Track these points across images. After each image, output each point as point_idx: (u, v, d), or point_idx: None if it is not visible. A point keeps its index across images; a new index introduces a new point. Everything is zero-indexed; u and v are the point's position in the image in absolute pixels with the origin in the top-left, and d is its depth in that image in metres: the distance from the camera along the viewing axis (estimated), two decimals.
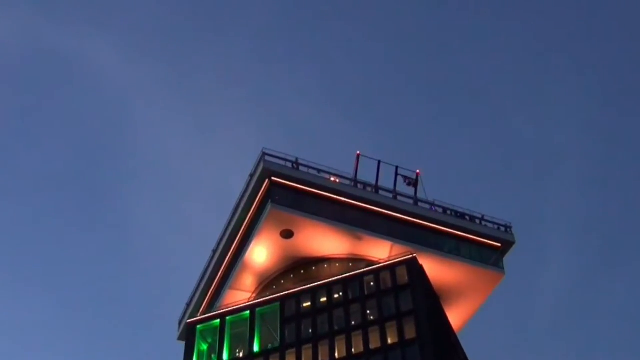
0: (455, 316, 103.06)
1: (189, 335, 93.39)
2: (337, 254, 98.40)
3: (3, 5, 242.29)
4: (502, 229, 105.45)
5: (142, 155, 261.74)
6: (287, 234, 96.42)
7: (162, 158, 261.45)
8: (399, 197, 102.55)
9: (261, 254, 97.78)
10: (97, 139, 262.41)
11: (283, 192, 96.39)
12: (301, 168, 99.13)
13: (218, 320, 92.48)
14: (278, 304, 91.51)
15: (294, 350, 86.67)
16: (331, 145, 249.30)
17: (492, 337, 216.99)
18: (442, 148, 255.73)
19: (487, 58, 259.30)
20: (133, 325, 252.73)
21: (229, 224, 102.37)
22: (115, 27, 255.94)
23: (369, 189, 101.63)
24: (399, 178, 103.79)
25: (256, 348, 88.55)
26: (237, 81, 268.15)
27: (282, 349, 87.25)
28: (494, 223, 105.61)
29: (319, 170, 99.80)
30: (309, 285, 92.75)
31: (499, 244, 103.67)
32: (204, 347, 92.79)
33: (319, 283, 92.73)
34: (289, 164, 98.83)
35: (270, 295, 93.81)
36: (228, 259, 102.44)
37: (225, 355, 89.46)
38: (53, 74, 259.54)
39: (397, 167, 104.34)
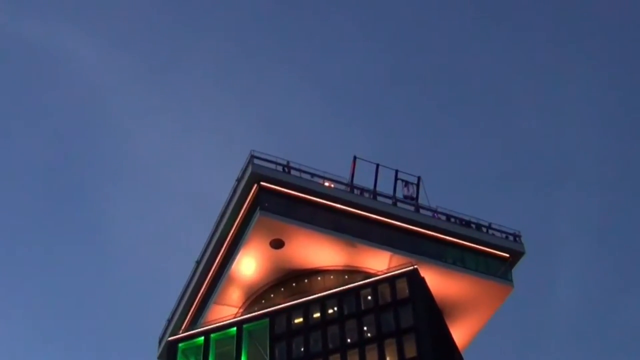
0: (460, 333, 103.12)
1: (169, 354, 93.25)
2: (332, 266, 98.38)
3: None
4: (511, 238, 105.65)
5: (121, 156, 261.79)
6: (277, 244, 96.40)
7: (142, 160, 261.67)
8: (398, 204, 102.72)
9: (249, 265, 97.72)
10: (72, 138, 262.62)
11: (273, 198, 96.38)
12: (293, 172, 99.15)
13: (202, 338, 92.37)
14: (267, 320, 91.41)
15: None
16: (325, 148, 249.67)
17: (500, 356, 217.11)
18: (446, 150, 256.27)
19: (494, 53, 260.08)
20: (108, 343, 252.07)
21: (214, 232, 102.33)
22: (94, 20, 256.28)
23: (366, 194, 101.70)
24: (399, 183, 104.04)
25: None
26: (224, 78, 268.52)
27: None
28: (501, 232, 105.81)
29: (312, 175, 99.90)
30: (301, 300, 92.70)
31: (507, 255, 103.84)
32: None
33: (311, 297, 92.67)
34: (280, 168, 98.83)
35: (258, 311, 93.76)
36: (213, 271, 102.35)
37: None
38: (27, 67, 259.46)
39: (396, 171, 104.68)
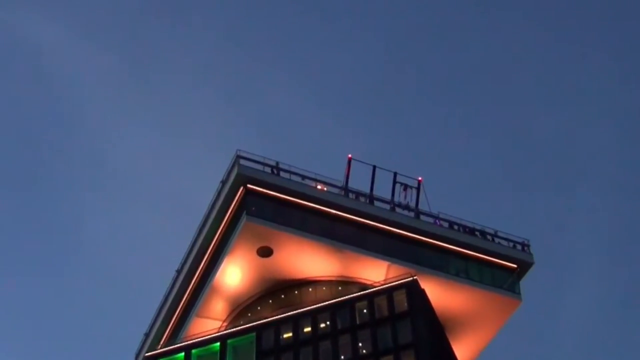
0: (463, 350, 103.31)
1: None
2: (324, 276, 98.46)
3: None
4: (519, 247, 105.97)
5: (97, 157, 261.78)
6: (265, 252, 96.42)
7: (119, 161, 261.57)
8: (397, 209, 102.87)
9: (234, 275, 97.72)
10: (45, 137, 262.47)
11: (260, 202, 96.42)
12: (282, 174, 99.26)
13: (182, 354, 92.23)
14: (254, 334, 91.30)
15: None
16: (317, 147, 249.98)
17: None
18: (448, 151, 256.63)
19: (502, 46, 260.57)
20: (81, 358, 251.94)
21: (197, 239, 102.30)
22: (70, 14, 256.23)
23: (362, 199, 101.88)
24: (398, 186, 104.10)
25: None
26: (208, 74, 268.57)
27: None
28: (509, 240, 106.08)
29: (303, 177, 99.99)
30: (290, 313, 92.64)
31: (514, 265, 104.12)
32: None
33: (302, 310, 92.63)
34: (268, 169, 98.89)
35: (244, 324, 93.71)
36: (195, 280, 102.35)
37: None
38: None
39: (395, 174, 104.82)
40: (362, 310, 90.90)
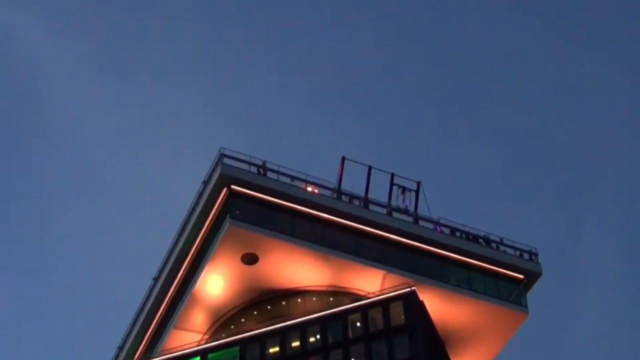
0: None
1: None
2: (314, 286, 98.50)
3: None
4: (526, 256, 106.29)
5: (67, 154, 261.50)
6: (250, 259, 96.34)
7: (91, 158, 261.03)
8: (394, 214, 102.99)
9: (216, 284, 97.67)
10: (8, 128, 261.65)
11: (245, 204, 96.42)
12: (269, 174, 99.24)
13: None
14: (237, 348, 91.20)
15: None
16: (308, 146, 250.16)
17: None
18: (450, 151, 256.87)
19: (510, 38, 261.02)
20: None
21: (175, 244, 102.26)
22: (44, 2, 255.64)
23: (356, 202, 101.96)
24: (395, 189, 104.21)
25: None
26: (189, 63, 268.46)
27: None
28: (515, 248, 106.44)
29: (293, 178, 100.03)
30: (277, 326, 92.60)
31: (521, 276, 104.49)
32: None
33: (290, 322, 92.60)
34: (254, 169, 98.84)
35: (226, 338, 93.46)
36: (173, 289, 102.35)
37: None
38: None
39: (392, 175, 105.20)
40: (356, 324, 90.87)
